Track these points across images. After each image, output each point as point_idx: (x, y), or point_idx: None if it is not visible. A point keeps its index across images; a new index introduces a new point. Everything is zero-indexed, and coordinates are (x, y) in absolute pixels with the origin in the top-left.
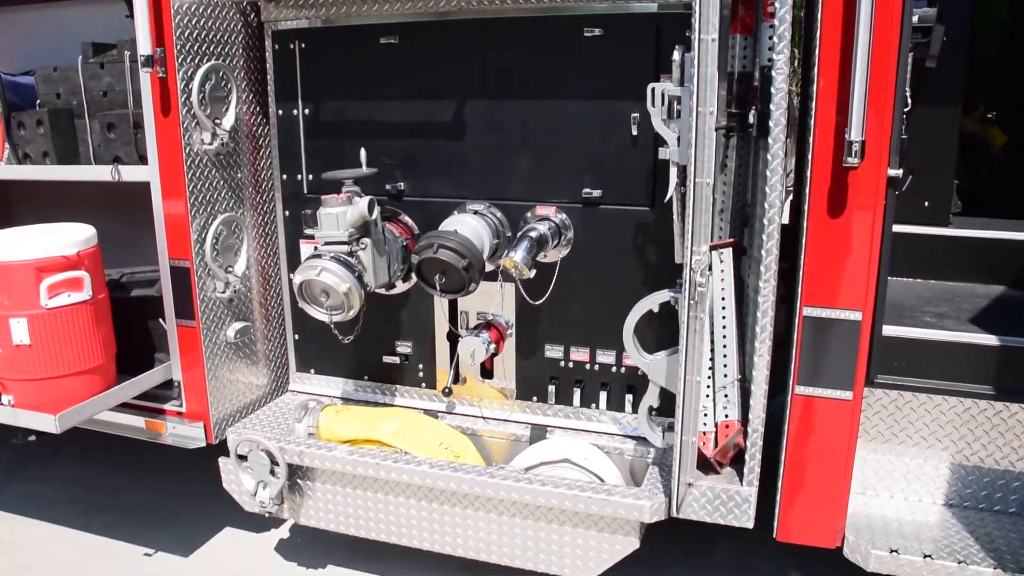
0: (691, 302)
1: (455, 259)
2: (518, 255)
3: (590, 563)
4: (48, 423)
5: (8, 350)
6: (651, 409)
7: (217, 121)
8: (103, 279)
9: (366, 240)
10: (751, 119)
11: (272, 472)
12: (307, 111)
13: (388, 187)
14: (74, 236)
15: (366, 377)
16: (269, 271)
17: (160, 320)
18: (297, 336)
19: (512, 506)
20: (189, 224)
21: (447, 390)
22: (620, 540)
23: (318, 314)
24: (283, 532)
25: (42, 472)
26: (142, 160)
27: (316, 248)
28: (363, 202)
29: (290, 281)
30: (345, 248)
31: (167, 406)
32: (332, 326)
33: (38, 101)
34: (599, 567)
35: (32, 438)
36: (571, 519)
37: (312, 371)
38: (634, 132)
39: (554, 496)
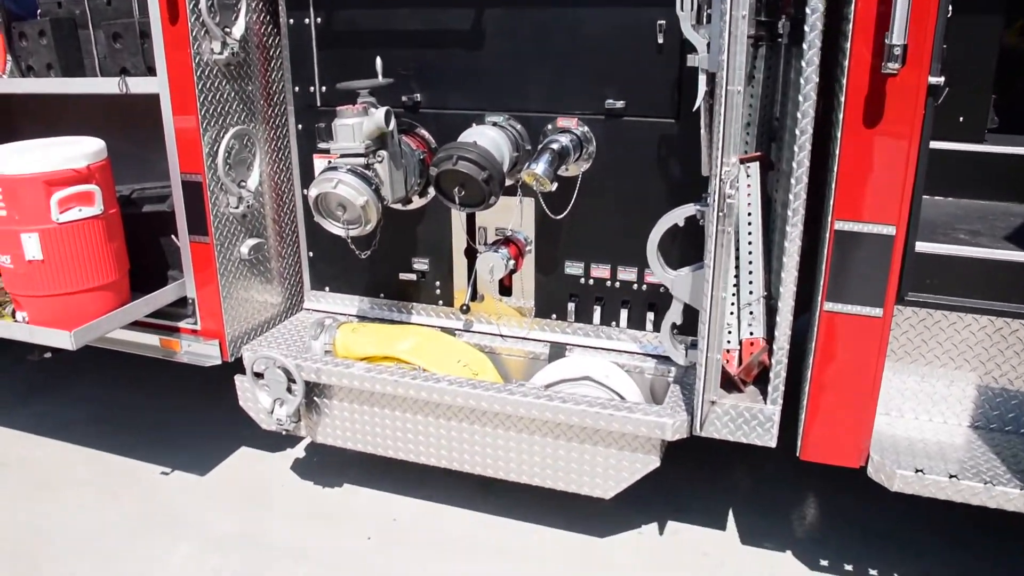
0: (719, 215)
1: (475, 171)
2: (539, 168)
3: (610, 481)
4: (63, 339)
5: (21, 266)
6: (674, 326)
7: (227, 30)
8: (114, 194)
9: (383, 152)
10: (780, 28)
11: (289, 390)
12: (319, 19)
13: (404, 99)
14: (83, 149)
15: (382, 295)
16: (282, 187)
17: (172, 236)
18: (311, 253)
19: (531, 423)
20: (200, 137)
21: (464, 307)
22: (641, 459)
23: (334, 228)
24: (299, 451)
25: (57, 391)
26: (150, 71)
27: (331, 161)
28: (379, 113)
29: (304, 196)
30: (361, 160)
31: (181, 324)
32: (349, 241)
33: (39, 11)
34: (619, 485)
35: (48, 355)
36: (591, 437)
37: (327, 289)
38: (659, 41)
39: (575, 413)
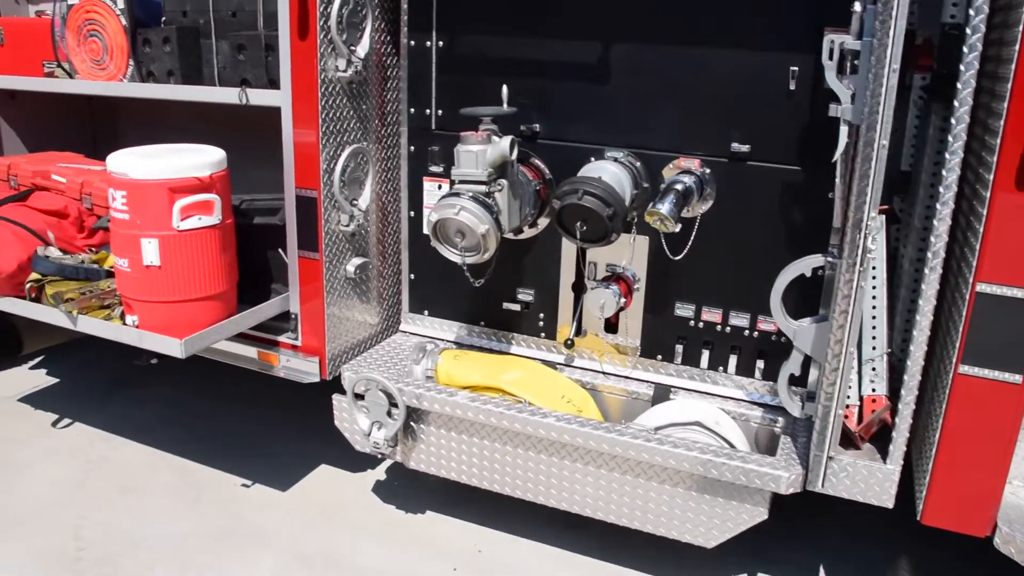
0: (855, 268)
1: (600, 207)
2: (665, 208)
3: (714, 530)
4: (174, 347)
5: (137, 270)
6: (792, 377)
7: (352, 48)
8: (230, 204)
9: (503, 181)
10: (911, 80)
11: (389, 413)
12: (441, 43)
13: (522, 127)
14: (207, 158)
15: (482, 323)
16: (388, 207)
17: (279, 250)
18: (413, 276)
19: (637, 465)
20: (319, 153)
21: (569, 342)
22: (748, 509)
23: (451, 255)
24: (379, 473)
25: (139, 394)
26: (272, 84)
27: (452, 186)
28: (505, 141)
29: (409, 218)
30: (483, 188)
31: (281, 338)
32: (464, 268)
33: (163, 19)
34: (722, 535)
35: (154, 361)
36: (699, 484)
37: (425, 312)
38: (791, 87)
39: (688, 460)
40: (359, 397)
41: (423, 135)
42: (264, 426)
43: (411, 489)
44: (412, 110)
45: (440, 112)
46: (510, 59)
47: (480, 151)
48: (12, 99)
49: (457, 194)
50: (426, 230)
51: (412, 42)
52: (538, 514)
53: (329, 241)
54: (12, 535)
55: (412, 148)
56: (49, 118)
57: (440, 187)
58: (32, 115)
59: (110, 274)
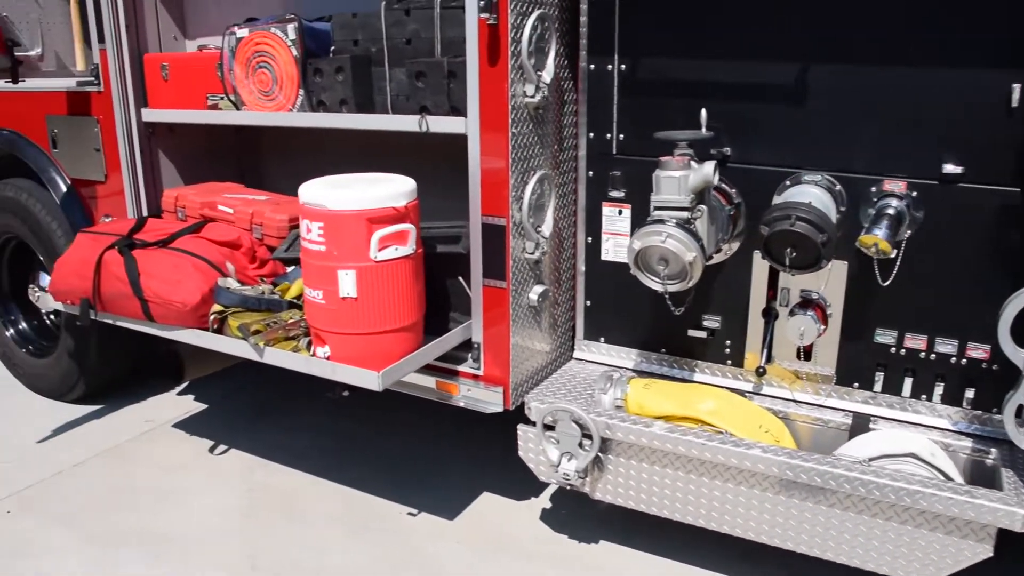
0: None
1: (813, 233)
2: (881, 232)
3: (930, 567)
4: (371, 380)
5: (333, 302)
6: (1020, 409)
7: (539, 73)
8: (420, 234)
9: (702, 207)
10: None
11: (581, 444)
12: (623, 66)
13: (712, 151)
14: (401, 187)
15: (663, 350)
16: (564, 232)
17: (459, 278)
18: (589, 303)
19: (852, 499)
20: (508, 180)
21: (761, 370)
22: (971, 546)
23: (652, 283)
24: (544, 501)
25: (288, 422)
26: (454, 111)
27: (653, 213)
28: (708, 167)
29: (587, 244)
30: (685, 215)
31: (461, 367)
32: (666, 297)
33: (332, 48)
34: (940, 572)
35: (346, 393)
36: (917, 518)
37: (601, 340)
38: (1013, 103)
39: (913, 494)
40: (548, 427)
41: (603, 160)
42: (419, 453)
43: (580, 518)
44: (591, 135)
45: (621, 136)
46: (697, 81)
47: (682, 176)
48: (171, 132)
49: (661, 221)
50: (627, 259)
51: (592, 66)
52: (723, 545)
53: (515, 269)
54: (192, 563)
55: (591, 173)
56: (202, 150)
57: (620, 212)
58: (187, 147)
59: (292, 305)
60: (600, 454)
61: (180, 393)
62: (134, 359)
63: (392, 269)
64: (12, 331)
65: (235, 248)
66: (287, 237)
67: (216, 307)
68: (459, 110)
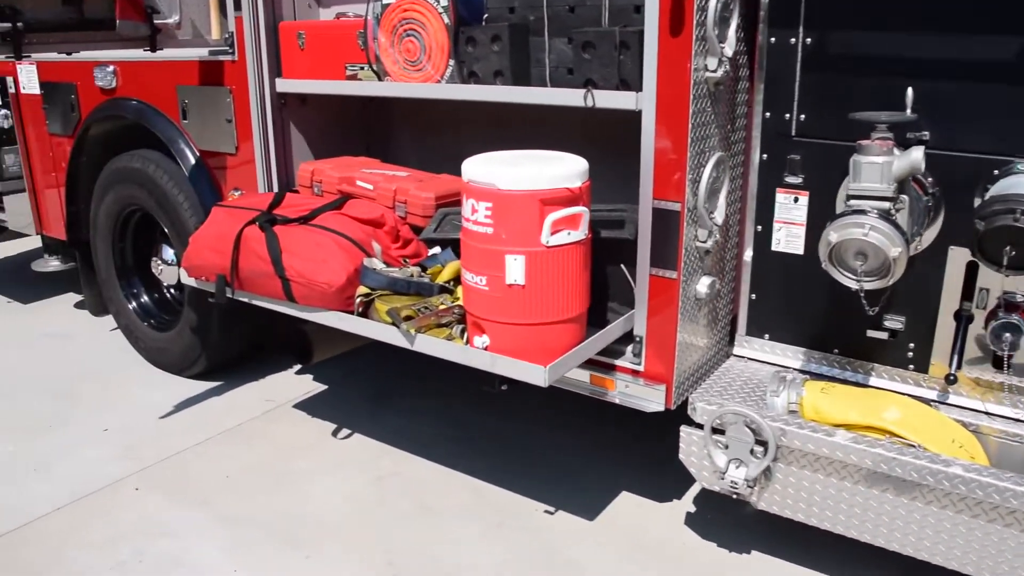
0: None
1: None
2: None
3: None
4: (536, 375)
5: (498, 289)
6: None
7: (721, 46)
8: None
9: (904, 198)
10: None
11: (753, 452)
12: (808, 40)
13: (908, 135)
14: (575, 167)
15: (836, 350)
16: (729, 219)
17: (621, 266)
18: (754, 296)
19: None
20: (686, 162)
21: (951, 377)
22: None
23: (845, 279)
24: (687, 504)
25: (411, 407)
26: (623, 85)
27: (850, 203)
28: (917, 152)
29: (756, 232)
30: (887, 205)
31: (619, 362)
32: (861, 294)
33: (485, 15)
34: None
35: (504, 387)
36: None
37: (766, 336)
38: None
39: None
40: (716, 431)
41: (780, 142)
42: (549, 445)
43: (727, 524)
44: (768, 114)
45: (802, 117)
46: (894, 57)
47: (886, 163)
48: (303, 103)
49: (862, 211)
50: (820, 252)
51: (773, 39)
52: (883, 561)
53: (686, 258)
54: (327, 551)
55: (764, 156)
56: (332, 122)
57: (796, 200)
58: (318, 119)
59: (443, 289)
60: (770, 463)
61: (298, 372)
62: (257, 335)
63: (563, 255)
64: (134, 304)
65: (378, 226)
66: (434, 216)
67: (362, 289)
68: (629, 84)
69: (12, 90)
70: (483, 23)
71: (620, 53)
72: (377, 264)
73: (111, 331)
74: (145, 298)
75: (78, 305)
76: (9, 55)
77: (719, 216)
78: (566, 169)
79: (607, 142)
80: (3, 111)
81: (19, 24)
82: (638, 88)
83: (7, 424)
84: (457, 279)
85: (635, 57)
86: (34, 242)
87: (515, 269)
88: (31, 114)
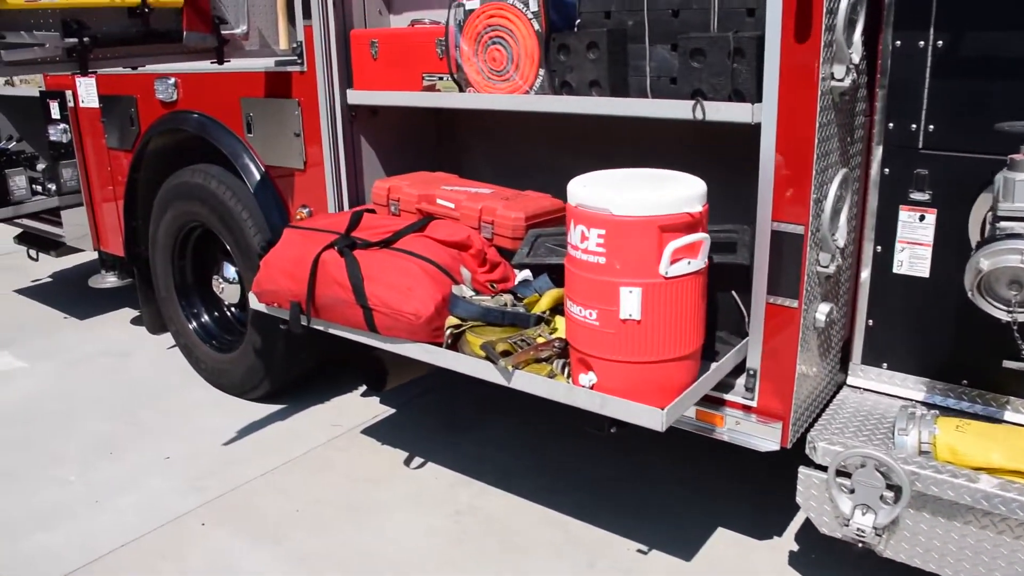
0: None
1: None
2: None
3: None
4: (653, 418)
5: (610, 324)
6: None
7: (848, 51)
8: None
9: None
10: None
11: (883, 498)
12: (940, 42)
13: None
14: (694, 190)
15: (964, 381)
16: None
17: (732, 292)
18: (871, 321)
19: None
20: (811, 181)
21: None
22: None
23: (995, 310)
24: (788, 542)
25: (483, 435)
26: (736, 95)
27: (1000, 226)
28: None
29: (875, 254)
30: None
31: (729, 396)
32: (1014, 328)
33: (578, 21)
34: None
35: (613, 430)
36: None
37: (884, 366)
38: None
39: None
40: (840, 474)
41: (904, 155)
42: (636, 479)
43: (831, 566)
44: (891, 125)
45: (931, 127)
46: None
47: None
48: (372, 115)
49: (1018, 236)
50: (966, 280)
51: (898, 42)
52: None
53: (807, 285)
54: None
55: (887, 171)
56: (402, 135)
57: (922, 218)
58: (388, 132)
59: (540, 320)
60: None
61: (363, 395)
62: (323, 357)
63: (682, 286)
64: (195, 324)
65: (463, 249)
66: (525, 238)
67: (452, 320)
68: (744, 95)
69: (71, 104)
70: (575, 29)
71: (734, 61)
72: (466, 292)
73: (168, 349)
74: (206, 317)
75: (134, 321)
76: (75, 70)
77: (841, 238)
78: (685, 192)
79: (709, 156)
80: (61, 125)
81: (86, 39)
82: (754, 99)
83: (68, 451)
84: (556, 309)
85: (751, 65)
86: (88, 256)
87: (630, 303)
88: (90, 128)
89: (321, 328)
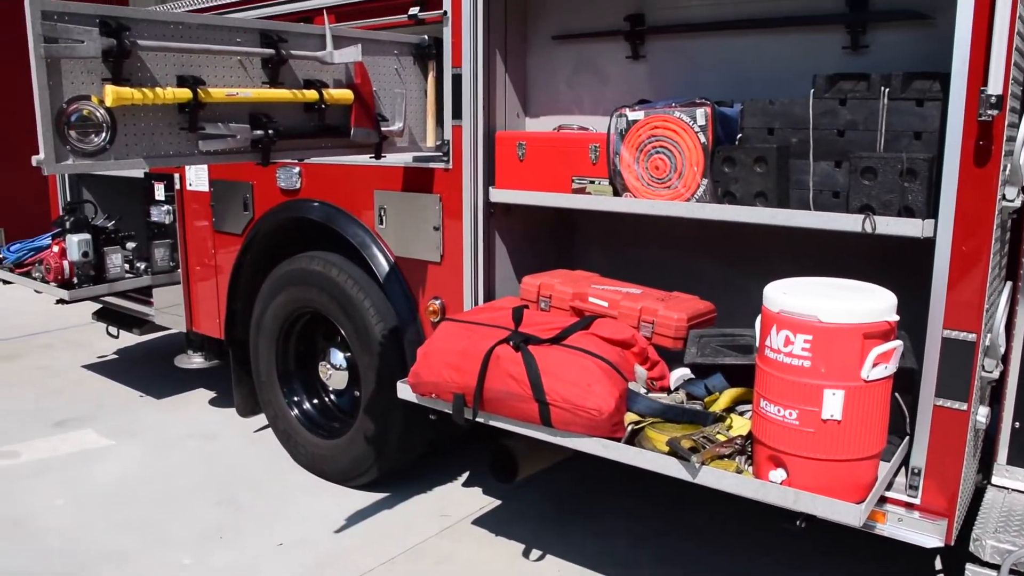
0: None
1: None
2: None
3: None
4: (850, 514)
5: (810, 424)
6: None
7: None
8: None
9: None
10: None
11: None
12: None
13: None
14: (890, 300)
15: None
16: None
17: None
18: (1018, 424)
19: None
20: (984, 292)
21: None
22: None
23: None
24: None
25: (597, 524)
26: (906, 211)
27: None
28: None
29: (1022, 358)
30: None
31: (890, 493)
32: None
33: (739, 135)
34: None
35: (802, 524)
36: None
37: None
38: None
39: None
40: (1014, 572)
41: None
42: (763, 569)
43: None
44: None
45: None
46: None
47: None
48: (507, 213)
49: None
50: None
51: None
52: None
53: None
54: None
55: None
56: (530, 232)
57: None
58: (519, 229)
59: (717, 418)
60: None
61: (465, 484)
62: (432, 445)
63: (879, 389)
64: (296, 411)
65: (627, 347)
66: (688, 338)
67: (631, 416)
68: (913, 211)
69: (177, 186)
70: (736, 142)
71: (905, 180)
72: (641, 388)
73: (255, 432)
74: (307, 404)
75: (213, 402)
76: (258, 160)
77: (1002, 344)
78: (884, 302)
79: (852, 263)
80: (165, 206)
81: (270, 131)
82: (924, 215)
83: (177, 533)
84: (731, 407)
85: (922, 184)
86: (153, 335)
87: (833, 404)
88: (196, 210)
89: (482, 420)
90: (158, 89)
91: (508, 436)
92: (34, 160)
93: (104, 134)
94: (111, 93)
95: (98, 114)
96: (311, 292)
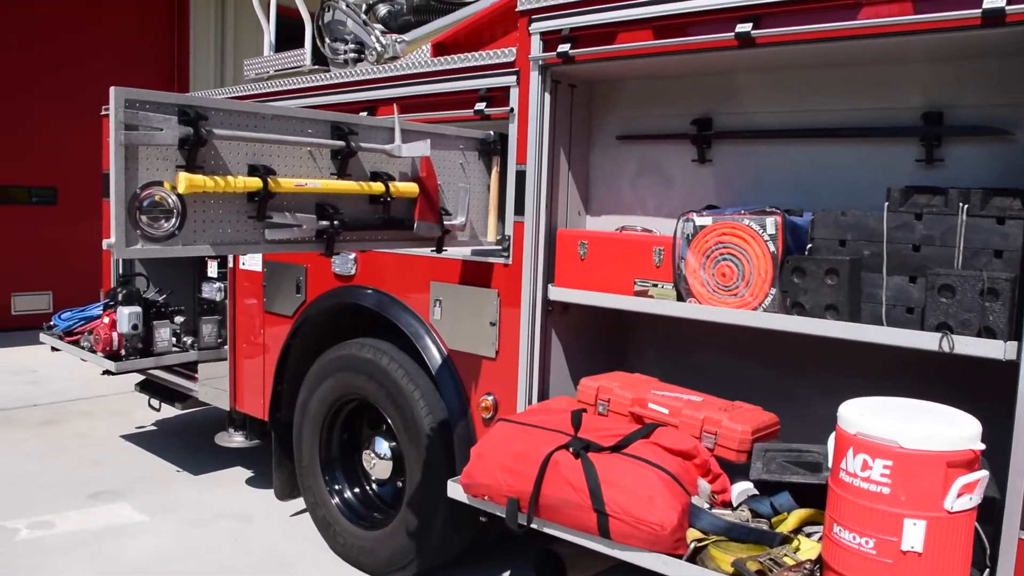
0: None
1: None
2: None
3: None
4: None
5: (888, 554)
6: None
7: None
8: None
9: None
10: None
11: None
12: None
13: None
14: (975, 427)
15: None
16: None
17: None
18: None
19: None
20: None
21: None
22: None
23: None
24: None
25: None
26: (987, 332)
27: None
28: None
29: None
30: None
31: None
32: None
33: (809, 245)
34: None
35: None
36: None
37: None
38: None
39: None
40: None
41: None
42: None
43: None
44: None
45: None
46: None
47: None
48: (564, 311)
49: None
50: None
51: None
52: None
53: None
54: None
55: None
56: (584, 332)
57: None
58: (573, 327)
59: (785, 540)
60: None
61: None
62: (474, 542)
63: (963, 521)
64: (337, 499)
65: (688, 459)
66: (753, 452)
67: (694, 532)
68: (994, 332)
69: (231, 264)
70: (806, 252)
71: (986, 299)
72: (703, 503)
73: (292, 516)
74: (348, 492)
75: (250, 482)
76: (322, 251)
77: None
78: (968, 430)
79: (924, 382)
80: (217, 284)
81: (336, 222)
82: (1005, 337)
83: None
84: (798, 528)
85: (1004, 305)
86: (192, 410)
87: (914, 534)
88: (247, 289)
89: (536, 527)
90: (229, 177)
91: (556, 540)
92: (105, 244)
93: (174, 220)
94: (184, 180)
95: (170, 200)
96: (360, 379)
